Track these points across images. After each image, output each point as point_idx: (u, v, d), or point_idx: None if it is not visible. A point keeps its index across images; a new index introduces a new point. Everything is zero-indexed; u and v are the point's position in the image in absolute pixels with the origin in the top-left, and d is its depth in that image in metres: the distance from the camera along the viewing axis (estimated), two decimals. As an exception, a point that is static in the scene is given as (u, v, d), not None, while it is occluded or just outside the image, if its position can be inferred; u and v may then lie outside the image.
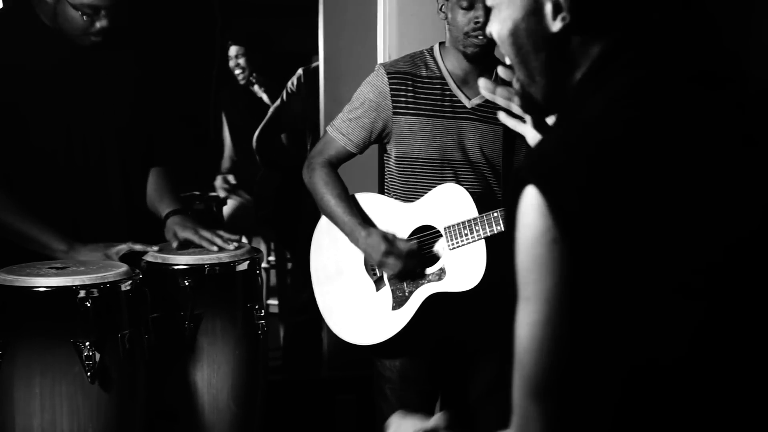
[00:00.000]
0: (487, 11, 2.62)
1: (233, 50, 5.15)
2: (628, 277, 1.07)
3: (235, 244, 2.76)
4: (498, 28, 1.27)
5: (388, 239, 2.70)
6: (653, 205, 1.08)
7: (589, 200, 1.07)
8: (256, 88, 5.16)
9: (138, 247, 2.69)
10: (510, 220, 1.12)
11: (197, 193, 4.54)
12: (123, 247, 2.68)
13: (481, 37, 2.66)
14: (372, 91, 2.77)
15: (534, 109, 1.32)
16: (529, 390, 1.11)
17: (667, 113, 1.13)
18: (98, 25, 2.67)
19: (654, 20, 1.18)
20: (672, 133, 1.12)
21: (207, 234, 2.75)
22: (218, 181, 4.81)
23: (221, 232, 2.78)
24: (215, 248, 2.72)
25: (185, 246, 2.76)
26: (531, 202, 1.08)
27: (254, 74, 5.14)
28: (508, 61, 1.31)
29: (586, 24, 1.18)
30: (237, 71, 5.15)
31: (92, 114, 2.79)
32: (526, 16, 1.21)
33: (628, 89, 1.15)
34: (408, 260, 2.69)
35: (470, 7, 2.65)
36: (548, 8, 1.19)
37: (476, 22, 2.64)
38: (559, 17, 1.18)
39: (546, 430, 1.10)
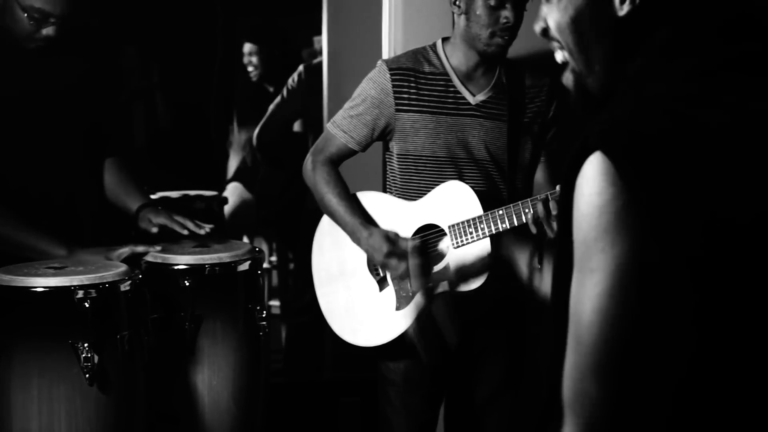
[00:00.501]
0: (516, 11, 2.63)
1: (247, 48, 5.14)
2: (695, 245, 1.07)
3: (207, 229, 2.83)
4: (557, 17, 1.27)
5: (390, 239, 2.70)
6: (723, 176, 1.08)
7: (660, 168, 1.07)
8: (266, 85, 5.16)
9: (140, 248, 2.71)
10: (568, 193, 1.12)
11: (190, 193, 4.53)
12: (125, 250, 2.69)
13: (506, 38, 2.65)
14: (374, 88, 2.77)
15: (586, 103, 1.32)
16: (591, 367, 1.09)
17: (738, 96, 1.14)
18: (44, 32, 2.65)
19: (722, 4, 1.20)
20: (742, 114, 1.12)
21: (179, 218, 2.82)
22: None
23: (196, 221, 2.85)
24: (186, 231, 2.79)
25: (162, 231, 2.82)
26: (597, 169, 1.08)
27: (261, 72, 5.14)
28: (559, 56, 1.31)
29: (655, 7, 1.20)
30: (250, 68, 5.14)
31: (45, 110, 2.78)
32: (592, 1, 1.23)
33: (700, 71, 1.16)
34: (413, 259, 2.69)
35: (500, 6, 2.63)
36: None
37: (505, 22, 2.63)
38: (626, 3, 1.20)
39: (607, 410, 1.09)
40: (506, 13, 2.63)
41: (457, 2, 2.70)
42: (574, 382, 1.11)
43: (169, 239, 2.83)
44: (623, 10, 1.21)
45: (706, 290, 1.07)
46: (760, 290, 1.09)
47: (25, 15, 2.62)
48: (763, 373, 1.11)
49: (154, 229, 2.81)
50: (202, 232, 2.81)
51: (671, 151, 1.08)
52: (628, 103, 1.19)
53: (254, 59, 5.12)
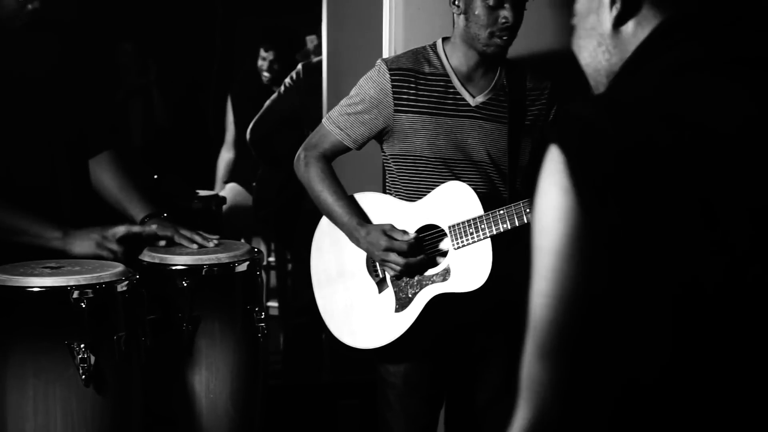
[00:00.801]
0: (515, 10, 2.63)
1: (270, 54, 5.09)
2: (635, 248, 1.08)
3: (215, 241, 2.79)
4: (575, 42, 1.33)
5: (387, 233, 2.70)
6: (677, 185, 1.09)
7: (605, 164, 1.09)
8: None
9: (136, 228, 2.70)
10: (534, 182, 1.16)
11: (194, 191, 4.53)
12: (120, 229, 2.67)
13: (505, 38, 2.66)
14: (373, 88, 2.76)
15: None
16: (539, 349, 1.11)
17: (709, 96, 1.16)
18: (30, 7, 2.65)
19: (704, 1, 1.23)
20: (712, 117, 1.13)
21: (186, 233, 2.77)
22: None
23: (200, 232, 2.81)
24: (195, 246, 2.75)
25: (169, 244, 2.78)
26: (550, 160, 1.11)
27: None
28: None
29: (634, 8, 1.24)
30: (266, 73, 5.10)
31: (26, 100, 2.77)
32: (590, 16, 1.29)
33: (673, 68, 1.19)
34: (410, 255, 2.69)
35: (499, 6, 2.63)
36: (606, 1, 1.26)
37: (504, 22, 2.64)
38: (614, 7, 1.25)
39: (555, 392, 1.11)
40: (505, 13, 2.63)
41: (456, 2, 2.70)
42: (525, 367, 1.13)
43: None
44: (611, 18, 1.26)
45: (656, 276, 1.09)
46: (712, 274, 1.10)
47: None
48: (717, 356, 1.11)
49: (162, 243, 2.75)
50: (210, 245, 2.76)
51: (628, 146, 1.10)
52: (599, 97, 1.25)
53: (276, 66, 5.07)
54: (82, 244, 2.65)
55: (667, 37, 1.22)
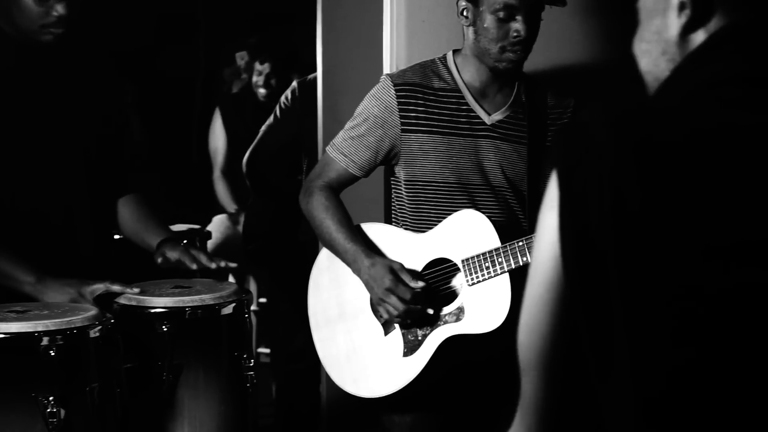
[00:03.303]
0: (529, 23, 2.62)
1: (266, 67, 5.13)
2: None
3: (222, 264, 2.80)
4: (638, 43, 1.30)
5: (394, 272, 2.68)
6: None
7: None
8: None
9: (116, 287, 2.69)
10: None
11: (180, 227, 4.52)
12: (99, 287, 2.68)
13: (519, 52, 2.65)
14: (377, 106, 2.77)
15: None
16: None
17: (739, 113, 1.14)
18: (54, 13, 2.66)
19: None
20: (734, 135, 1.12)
21: (194, 252, 2.80)
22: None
23: (211, 256, 2.84)
24: (194, 266, 2.77)
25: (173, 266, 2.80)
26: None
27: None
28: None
29: (705, 17, 1.21)
30: (261, 90, 5.13)
31: (54, 127, 2.80)
32: (656, 18, 1.25)
33: (710, 81, 1.17)
34: (412, 304, 2.67)
35: (509, 18, 2.63)
36: (674, 3, 1.22)
37: (515, 36, 2.63)
38: (683, 13, 1.21)
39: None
40: (517, 26, 2.63)
41: (465, 13, 2.71)
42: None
43: (184, 275, 2.83)
44: (680, 23, 1.22)
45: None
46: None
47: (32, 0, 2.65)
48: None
49: (173, 256, 2.79)
50: (213, 266, 2.78)
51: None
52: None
53: (273, 81, 5.10)
54: (55, 296, 2.66)
55: (715, 49, 1.19)
